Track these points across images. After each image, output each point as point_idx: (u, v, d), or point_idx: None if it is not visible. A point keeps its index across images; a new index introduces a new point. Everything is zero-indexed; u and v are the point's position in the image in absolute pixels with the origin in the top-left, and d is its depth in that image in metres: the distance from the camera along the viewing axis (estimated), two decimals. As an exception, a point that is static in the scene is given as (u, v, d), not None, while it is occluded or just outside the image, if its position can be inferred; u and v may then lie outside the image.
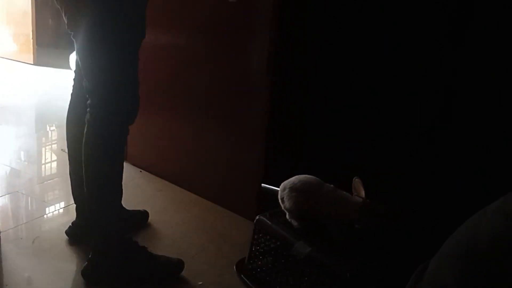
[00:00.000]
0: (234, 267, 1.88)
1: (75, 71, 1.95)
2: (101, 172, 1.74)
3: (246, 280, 1.78)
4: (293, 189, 1.67)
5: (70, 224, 2.05)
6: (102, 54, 1.64)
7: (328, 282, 1.47)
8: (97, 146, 1.72)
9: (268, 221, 1.69)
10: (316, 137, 2.44)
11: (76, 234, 2.03)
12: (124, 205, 2.17)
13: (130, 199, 2.31)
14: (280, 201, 1.72)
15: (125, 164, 2.78)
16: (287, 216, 1.71)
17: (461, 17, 1.93)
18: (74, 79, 1.94)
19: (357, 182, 1.63)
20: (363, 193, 1.60)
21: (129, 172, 2.74)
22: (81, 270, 1.78)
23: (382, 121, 2.22)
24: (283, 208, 1.72)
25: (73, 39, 1.70)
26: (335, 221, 1.62)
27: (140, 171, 2.75)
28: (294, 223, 1.68)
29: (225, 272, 1.90)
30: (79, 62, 1.72)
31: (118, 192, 1.88)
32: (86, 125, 1.71)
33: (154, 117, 2.70)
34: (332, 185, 1.67)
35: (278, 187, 1.79)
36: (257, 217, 1.74)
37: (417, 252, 1.53)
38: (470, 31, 1.92)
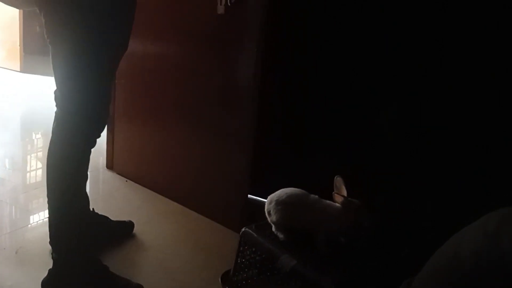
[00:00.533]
0: (219, 279, 1.88)
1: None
2: (62, 184, 1.71)
3: (231, 292, 1.77)
4: (279, 202, 1.68)
5: None
6: (74, 66, 1.61)
7: (314, 295, 1.47)
8: (59, 158, 1.69)
9: (254, 233, 1.69)
10: (304, 148, 2.45)
11: None
12: (109, 215, 2.16)
13: (116, 209, 2.30)
14: (266, 214, 1.73)
15: (111, 173, 2.81)
16: (273, 229, 1.72)
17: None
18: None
19: (338, 181, 1.65)
20: (344, 192, 1.62)
21: (115, 181, 2.73)
22: (42, 280, 1.76)
23: (368, 130, 2.23)
24: (269, 221, 1.72)
25: (49, 45, 1.65)
26: (321, 232, 1.62)
27: (126, 181, 2.74)
28: (280, 235, 1.68)
29: (210, 284, 1.90)
30: (53, 70, 1.68)
31: (80, 203, 1.82)
32: (51, 134, 1.69)
33: (140, 126, 2.70)
34: (317, 196, 1.69)
35: (265, 199, 1.79)
36: (243, 229, 1.73)
37: (402, 266, 1.54)
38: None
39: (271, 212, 1.70)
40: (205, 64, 2.37)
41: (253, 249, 1.69)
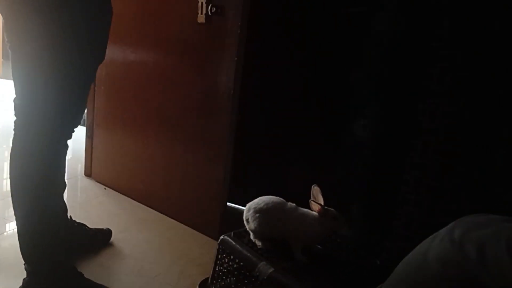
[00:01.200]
0: (198, 287, 1.88)
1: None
2: (27, 196, 1.65)
3: (209, 300, 1.77)
4: (257, 210, 1.70)
5: None
6: (35, 73, 1.53)
7: (290, 303, 1.48)
8: (19, 168, 1.62)
9: (232, 241, 1.70)
10: (282, 157, 2.47)
11: None
12: (87, 223, 2.15)
13: (94, 217, 2.29)
14: (245, 221, 1.74)
15: (89, 180, 2.79)
16: (251, 237, 1.73)
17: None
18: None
19: (315, 190, 1.68)
20: (321, 200, 1.65)
21: (93, 189, 2.72)
22: None
23: (345, 138, 2.26)
24: (247, 229, 1.74)
25: (9, 50, 1.55)
26: (297, 241, 1.64)
27: (105, 188, 2.73)
28: (258, 243, 1.70)
29: (189, 291, 1.90)
30: (12, 77, 1.58)
31: (52, 212, 1.74)
32: (11, 146, 1.61)
33: (120, 134, 2.69)
34: (294, 204, 1.71)
35: (244, 207, 1.80)
36: (221, 237, 1.74)
37: (378, 273, 1.56)
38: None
39: (249, 220, 1.71)
40: (185, 72, 2.38)
41: (231, 257, 1.70)
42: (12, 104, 1.61)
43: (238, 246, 1.67)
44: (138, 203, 2.59)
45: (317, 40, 2.28)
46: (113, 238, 2.22)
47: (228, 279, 1.75)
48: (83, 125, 2.78)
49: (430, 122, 2.02)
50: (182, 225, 2.43)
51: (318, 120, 2.35)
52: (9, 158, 1.62)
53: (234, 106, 2.23)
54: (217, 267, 1.76)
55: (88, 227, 2.14)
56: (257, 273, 1.55)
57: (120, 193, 2.68)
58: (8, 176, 1.62)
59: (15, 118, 1.61)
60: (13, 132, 1.62)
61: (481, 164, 1.97)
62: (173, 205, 2.50)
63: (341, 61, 2.25)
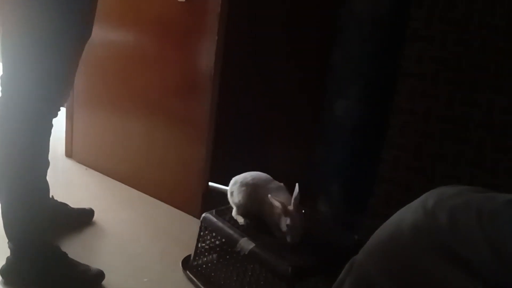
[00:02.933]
0: (180, 264, 1.90)
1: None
2: (11, 172, 1.66)
3: (191, 276, 1.81)
4: (243, 183, 1.72)
5: None
6: (18, 51, 1.56)
7: (271, 277, 1.52)
8: (5, 146, 1.63)
9: (214, 218, 1.73)
10: (264, 136, 2.50)
11: None
12: (69, 203, 2.16)
13: (75, 197, 2.29)
14: (229, 194, 1.76)
15: (70, 161, 2.79)
16: (233, 213, 1.76)
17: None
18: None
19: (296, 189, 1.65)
20: (289, 199, 1.63)
21: (74, 169, 2.71)
22: (0, 269, 1.75)
23: (327, 115, 2.30)
24: (231, 203, 1.76)
25: None
26: (273, 219, 1.65)
27: (86, 169, 2.72)
28: (240, 219, 1.73)
29: (170, 269, 1.92)
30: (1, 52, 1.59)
31: (36, 189, 1.75)
32: None
33: (100, 114, 2.68)
34: (282, 184, 1.72)
35: (225, 186, 1.82)
36: (203, 215, 1.77)
37: (356, 248, 1.60)
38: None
39: (234, 193, 1.73)
40: (166, 52, 2.38)
41: (213, 234, 1.73)
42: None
43: (220, 223, 1.71)
44: (120, 183, 2.59)
45: (298, 20, 2.30)
46: (95, 218, 2.23)
47: (211, 256, 1.78)
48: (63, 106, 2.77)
49: (409, 102, 2.07)
50: (164, 204, 2.45)
51: (299, 100, 2.37)
52: None
53: (214, 86, 2.24)
54: (199, 244, 1.79)
55: (70, 206, 2.15)
56: (239, 249, 1.59)
57: (101, 173, 2.68)
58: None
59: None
60: None
61: (457, 143, 2.02)
62: (155, 184, 2.51)
63: (322, 41, 2.27)
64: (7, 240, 1.74)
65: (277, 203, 1.59)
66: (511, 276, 0.80)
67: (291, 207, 1.58)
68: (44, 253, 1.76)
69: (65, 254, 1.82)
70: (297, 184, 1.64)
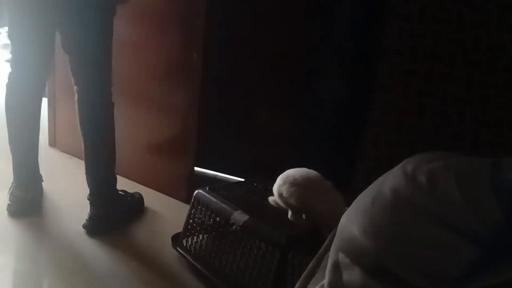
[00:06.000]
0: (170, 243, 1.91)
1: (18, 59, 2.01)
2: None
3: (182, 252, 1.82)
4: (294, 183, 1.66)
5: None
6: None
7: (264, 247, 1.55)
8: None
9: (207, 195, 1.75)
10: (248, 121, 2.53)
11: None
12: (54, 192, 2.27)
13: (60, 186, 2.30)
14: (277, 195, 1.70)
15: (53, 150, 2.78)
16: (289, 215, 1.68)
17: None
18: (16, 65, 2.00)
19: None
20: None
21: (58, 159, 2.70)
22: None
23: (309, 95, 2.34)
24: (280, 203, 1.70)
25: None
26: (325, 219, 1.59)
27: (70, 158, 2.71)
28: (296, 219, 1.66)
29: (160, 248, 1.95)
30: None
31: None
32: None
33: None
34: (330, 183, 1.70)
35: (210, 170, 1.81)
36: (196, 191, 1.79)
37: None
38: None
39: (284, 193, 1.67)
40: (149, 39, 2.38)
41: (206, 209, 1.75)
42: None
43: (213, 198, 1.73)
44: (105, 170, 2.59)
45: (280, 3, 2.34)
46: (82, 204, 2.22)
47: (202, 231, 1.80)
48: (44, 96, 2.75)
49: (389, 79, 2.13)
50: (151, 189, 2.46)
51: (282, 81, 2.41)
52: None
53: (197, 71, 2.25)
54: (190, 220, 1.81)
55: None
56: (232, 221, 1.62)
57: (86, 162, 2.67)
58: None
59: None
60: None
61: (436, 119, 2.09)
62: (141, 171, 2.52)
63: (303, 22, 2.31)
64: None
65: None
66: (490, 232, 0.85)
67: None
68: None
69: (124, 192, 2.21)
70: None
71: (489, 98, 1.97)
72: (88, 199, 2.06)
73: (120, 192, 2.19)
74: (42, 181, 2.23)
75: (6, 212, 2.08)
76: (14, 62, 1.99)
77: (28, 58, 1.99)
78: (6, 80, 2.02)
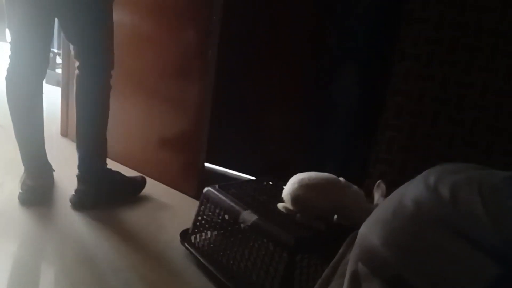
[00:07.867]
0: (178, 238, 1.92)
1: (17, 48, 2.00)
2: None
3: (190, 249, 1.83)
4: (311, 186, 1.64)
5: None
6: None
7: (272, 248, 1.55)
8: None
9: (216, 192, 1.75)
10: (260, 118, 2.52)
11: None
12: (65, 183, 2.25)
13: (72, 177, 2.29)
14: (290, 199, 1.67)
15: (65, 140, 2.79)
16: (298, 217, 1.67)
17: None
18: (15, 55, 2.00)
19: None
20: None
21: (70, 149, 2.67)
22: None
23: (323, 97, 2.33)
24: (292, 207, 1.67)
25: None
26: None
27: (82, 148, 2.71)
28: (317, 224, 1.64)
29: (169, 244, 1.95)
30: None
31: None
32: None
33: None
34: (343, 179, 1.69)
35: (220, 167, 1.81)
36: (205, 188, 1.79)
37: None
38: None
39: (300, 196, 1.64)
40: (162, 33, 2.39)
41: (215, 207, 1.75)
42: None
43: (222, 196, 1.73)
44: (116, 163, 2.59)
45: (297, 4, 2.32)
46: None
47: (211, 228, 1.80)
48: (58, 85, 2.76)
49: (404, 84, 2.11)
50: (161, 184, 2.46)
51: (296, 81, 2.41)
52: None
53: (211, 68, 2.25)
54: (199, 217, 1.81)
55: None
56: (241, 221, 1.61)
57: (97, 153, 2.68)
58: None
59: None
60: None
61: (450, 125, 2.07)
62: (151, 164, 2.53)
63: (319, 23, 2.30)
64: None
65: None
66: None
67: None
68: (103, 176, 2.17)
69: (117, 173, 2.25)
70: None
71: (503, 105, 1.95)
72: (76, 175, 2.14)
73: (113, 172, 2.25)
74: (54, 170, 2.24)
75: (17, 200, 2.10)
76: (13, 52, 1.99)
77: (27, 47, 1.98)
78: (5, 73, 2.01)
